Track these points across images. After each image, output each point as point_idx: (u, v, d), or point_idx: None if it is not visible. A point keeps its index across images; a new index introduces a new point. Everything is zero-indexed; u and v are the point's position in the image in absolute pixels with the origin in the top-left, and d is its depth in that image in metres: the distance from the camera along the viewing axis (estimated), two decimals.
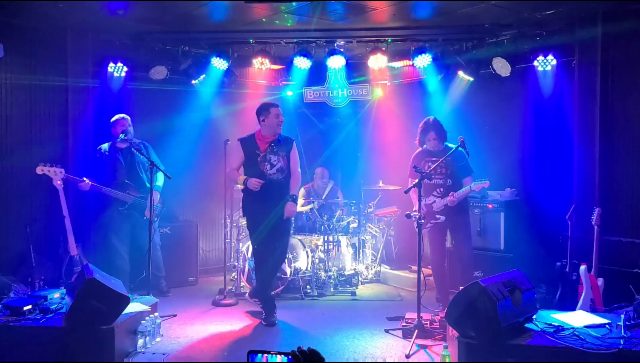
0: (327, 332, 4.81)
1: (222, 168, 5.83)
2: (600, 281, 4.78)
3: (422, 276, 4.56)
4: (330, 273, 6.22)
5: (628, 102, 5.34)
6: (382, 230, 7.06)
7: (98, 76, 6.16)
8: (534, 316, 3.98)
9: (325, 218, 6.32)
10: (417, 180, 4.66)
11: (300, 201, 6.96)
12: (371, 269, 6.85)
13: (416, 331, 4.42)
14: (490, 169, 5.11)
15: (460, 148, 4.90)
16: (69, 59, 5.91)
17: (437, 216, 5.22)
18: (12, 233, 5.45)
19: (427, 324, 4.56)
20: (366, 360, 4.14)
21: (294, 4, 5.22)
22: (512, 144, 6.35)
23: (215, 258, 7.22)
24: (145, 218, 5.68)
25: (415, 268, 4.90)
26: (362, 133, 7.66)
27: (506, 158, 6.26)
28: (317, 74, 7.26)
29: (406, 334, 4.54)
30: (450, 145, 5.24)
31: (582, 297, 4.71)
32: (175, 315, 5.18)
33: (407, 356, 4.14)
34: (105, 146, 5.66)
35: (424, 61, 6.38)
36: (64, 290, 4.62)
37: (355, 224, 6.64)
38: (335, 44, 6.65)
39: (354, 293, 6.12)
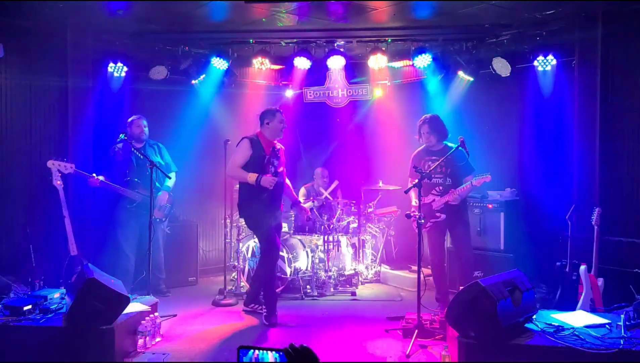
0: (327, 332, 4.81)
1: (222, 168, 5.83)
2: (600, 281, 4.78)
3: (422, 276, 4.56)
4: (330, 273, 6.22)
5: (628, 102, 5.34)
6: (382, 230, 7.06)
7: (98, 76, 6.16)
8: (534, 317, 3.98)
9: (325, 218, 6.32)
10: (417, 180, 4.65)
11: (300, 200, 6.97)
12: (371, 269, 6.85)
13: (416, 331, 4.42)
14: (490, 169, 5.10)
15: (460, 148, 4.90)
16: (69, 59, 5.91)
17: (437, 214, 5.21)
18: (12, 233, 5.45)
19: (427, 324, 4.56)
20: (366, 360, 4.14)
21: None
22: (512, 144, 6.36)
23: (215, 258, 7.22)
24: (153, 217, 5.73)
25: (415, 268, 4.90)
26: (362, 133, 7.66)
27: (506, 158, 6.27)
28: (317, 74, 7.26)
29: (406, 334, 4.54)
30: (450, 144, 5.23)
31: (582, 297, 4.71)
32: (175, 315, 5.18)
33: (407, 356, 4.14)
34: (119, 145, 5.72)
35: (424, 61, 6.38)
36: (64, 290, 4.62)
37: (355, 224, 6.64)
38: (335, 44, 6.65)
39: (354, 293, 6.12)
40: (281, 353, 1.77)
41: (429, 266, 5.65)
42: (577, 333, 3.72)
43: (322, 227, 6.26)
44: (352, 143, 7.62)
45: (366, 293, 6.25)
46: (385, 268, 6.90)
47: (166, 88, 6.51)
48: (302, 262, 6.11)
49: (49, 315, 4.07)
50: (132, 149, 5.36)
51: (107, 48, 6.20)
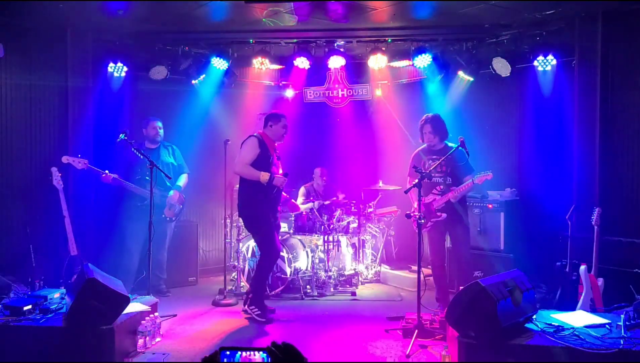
0: (327, 332, 4.81)
1: (222, 168, 5.84)
2: (600, 281, 4.77)
3: (422, 276, 4.56)
4: (330, 273, 6.22)
5: (628, 102, 5.34)
6: (382, 230, 7.06)
7: (98, 76, 6.16)
8: (534, 317, 3.98)
9: (325, 218, 6.32)
10: (417, 180, 4.65)
11: (300, 199, 6.97)
12: (371, 269, 6.85)
13: (416, 331, 4.41)
14: (490, 169, 5.09)
15: (460, 148, 4.90)
16: (69, 59, 5.91)
17: (438, 213, 5.20)
18: (12, 233, 5.45)
19: (427, 324, 4.56)
20: (366, 360, 4.14)
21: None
22: (512, 144, 6.36)
23: (215, 258, 7.22)
24: (163, 215, 5.89)
25: (415, 268, 4.90)
26: (362, 133, 7.66)
27: (506, 158, 6.27)
28: (317, 74, 7.27)
29: (406, 334, 4.54)
30: (450, 144, 5.24)
31: (582, 297, 4.71)
32: (175, 315, 5.18)
33: (407, 356, 4.14)
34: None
35: (424, 61, 6.38)
36: (64, 290, 4.62)
37: (355, 224, 6.64)
38: (335, 44, 6.65)
39: (354, 293, 6.12)
40: (265, 351, 1.76)
41: (429, 266, 5.65)
42: (577, 333, 3.72)
43: (322, 227, 6.26)
44: (352, 143, 7.62)
45: (366, 293, 6.25)
46: (385, 268, 6.90)
47: (166, 88, 6.51)
48: (302, 262, 6.11)
49: (49, 315, 4.07)
50: (132, 149, 5.38)
51: (107, 48, 6.20)
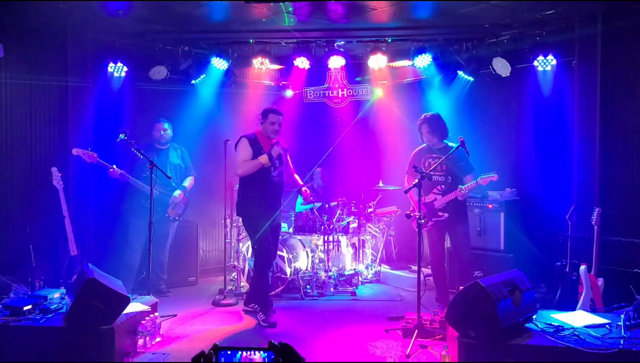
0: (327, 332, 4.81)
1: (222, 168, 5.84)
2: (600, 281, 4.78)
3: (422, 276, 4.56)
4: (330, 273, 6.22)
5: (628, 102, 5.33)
6: (382, 230, 7.06)
7: (98, 76, 6.16)
8: (534, 316, 3.98)
9: (325, 218, 6.32)
10: (416, 180, 4.65)
11: (300, 200, 6.97)
12: (371, 269, 6.84)
13: (416, 331, 4.42)
14: (490, 169, 5.10)
15: (460, 148, 4.90)
16: (69, 59, 5.91)
17: (440, 213, 5.20)
18: (12, 233, 5.45)
19: (427, 324, 4.56)
20: (366, 360, 4.14)
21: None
22: (512, 144, 6.35)
23: (215, 258, 7.23)
24: (166, 214, 5.94)
25: (415, 268, 4.90)
26: (362, 133, 7.66)
27: (506, 158, 6.26)
28: (317, 74, 7.27)
29: (406, 334, 4.54)
30: (451, 144, 5.24)
31: (582, 297, 4.71)
32: (175, 315, 5.18)
33: (407, 356, 4.14)
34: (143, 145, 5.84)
35: (424, 61, 6.38)
36: (64, 290, 4.62)
37: (355, 224, 6.64)
38: (335, 44, 6.65)
39: (354, 293, 6.12)
40: (262, 351, 1.76)
41: (429, 266, 5.65)
42: (577, 333, 3.73)
43: (322, 227, 6.26)
44: (352, 143, 7.62)
45: (366, 293, 6.25)
46: (385, 268, 6.90)
47: (166, 88, 6.51)
48: (302, 262, 6.11)
49: (49, 315, 4.07)
50: (132, 149, 5.39)
51: (107, 48, 6.20)
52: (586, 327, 3.87)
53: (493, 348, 3.63)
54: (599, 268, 4.80)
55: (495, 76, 6.10)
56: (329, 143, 7.66)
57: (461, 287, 3.96)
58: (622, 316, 3.86)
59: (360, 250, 6.69)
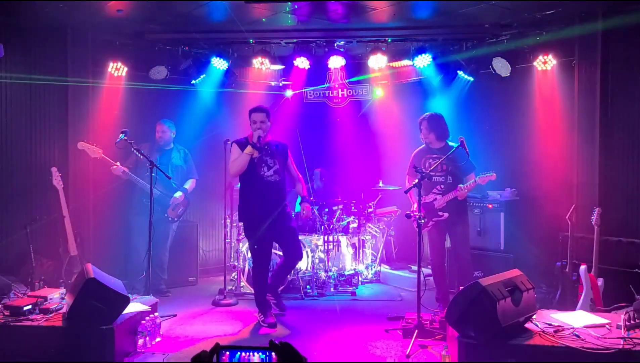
0: (327, 332, 4.81)
1: (222, 168, 5.84)
2: (600, 281, 4.78)
3: (422, 276, 4.56)
4: (330, 273, 6.22)
5: (628, 102, 5.33)
6: (382, 230, 7.06)
7: (98, 76, 6.16)
8: (534, 316, 3.98)
9: (325, 218, 6.32)
10: (416, 180, 4.65)
11: (299, 200, 6.96)
12: (371, 269, 6.84)
13: (416, 331, 4.42)
14: (490, 168, 5.10)
15: (460, 148, 4.90)
16: (69, 59, 5.91)
17: (440, 213, 5.21)
18: (12, 233, 5.44)
19: (427, 324, 4.56)
20: (366, 360, 4.14)
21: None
22: (512, 144, 6.35)
23: (215, 258, 7.22)
24: (165, 215, 5.95)
25: (415, 268, 4.90)
26: (362, 133, 7.66)
27: (506, 158, 6.26)
28: (317, 74, 7.26)
29: (406, 334, 4.54)
30: (451, 143, 5.23)
31: (582, 297, 4.71)
32: (175, 315, 5.18)
33: (407, 356, 4.14)
34: (146, 145, 5.86)
35: (424, 61, 6.38)
36: (64, 290, 4.62)
37: (355, 225, 6.64)
38: (335, 44, 6.65)
39: (354, 293, 6.12)
40: (263, 351, 1.76)
41: (429, 266, 5.65)
42: (577, 333, 3.72)
43: (322, 227, 6.26)
44: (352, 143, 7.61)
45: (366, 293, 6.25)
46: (385, 268, 6.90)
47: (166, 88, 6.51)
48: (302, 262, 6.10)
49: (49, 315, 4.07)
50: (132, 149, 5.39)
51: (107, 48, 6.19)
52: (586, 327, 3.86)
53: (493, 348, 3.63)
54: (599, 268, 4.80)
55: (495, 76, 6.10)
56: (329, 143, 7.66)
57: (461, 287, 3.95)
58: (622, 316, 3.86)
59: (360, 250, 6.69)
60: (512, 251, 5.71)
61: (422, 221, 4.66)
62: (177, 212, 6.06)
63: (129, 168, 5.79)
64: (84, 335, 3.83)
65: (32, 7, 5.23)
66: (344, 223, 6.52)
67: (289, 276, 5.78)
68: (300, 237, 6.27)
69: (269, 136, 5.09)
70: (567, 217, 5.12)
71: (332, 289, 6.18)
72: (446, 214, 5.17)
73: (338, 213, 6.49)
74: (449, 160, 5.08)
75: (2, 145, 5.51)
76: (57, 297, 4.47)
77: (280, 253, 5.83)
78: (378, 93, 7.37)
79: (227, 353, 1.80)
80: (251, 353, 1.77)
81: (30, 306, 4.10)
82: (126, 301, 4.00)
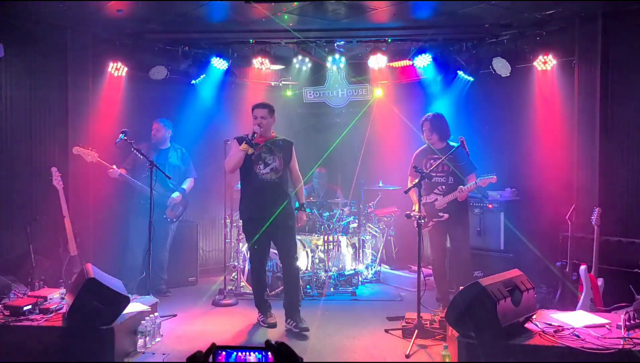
0: (327, 332, 4.81)
1: (222, 168, 5.83)
2: (600, 281, 4.77)
3: (422, 276, 4.56)
4: (330, 273, 6.22)
5: (628, 102, 5.33)
6: (382, 230, 7.06)
7: (98, 76, 6.16)
8: (534, 317, 3.98)
9: (325, 218, 6.32)
10: (417, 180, 4.65)
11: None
12: (371, 269, 6.84)
13: (416, 331, 4.42)
14: (491, 169, 5.10)
15: (460, 148, 4.90)
16: (69, 59, 5.91)
17: (440, 213, 5.21)
18: (12, 233, 5.44)
19: (427, 324, 4.56)
20: (366, 360, 4.14)
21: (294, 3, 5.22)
22: (512, 144, 6.35)
23: (215, 258, 7.22)
24: (164, 216, 5.94)
25: (415, 268, 4.90)
26: (362, 133, 7.66)
27: (506, 158, 6.26)
28: (317, 74, 7.26)
29: (406, 334, 4.54)
30: (452, 143, 5.24)
31: (582, 297, 4.71)
32: (175, 315, 5.18)
33: (407, 356, 4.14)
34: (144, 145, 5.81)
35: (424, 61, 6.38)
36: (64, 290, 4.62)
37: (355, 224, 6.64)
38: (335, 44, 6.65)
39: (354, 293, 6.12)
40: (259, 351, 1.75)
41: (429, 266, 5.65)
42: (577, 333, 3.72)
43: (322, 227, 6.25)
44: (352, 143, 7.61)
45: (366, 293, 6.25)
46: (385, 268, 6.90)
47: (166, 88, 6.51)
48: (302, 262, 6.11)
49: (49, 315, 4.07)
50: (132, 149, 5.39)
51: (107, 48, 6.19)
52: (586, 327, 3.86)
53: (493, 348, 3.62)
54: (599, 268, 4.80)
55: (495, 76, 6.10)
56: (329, 143, 7.66)
57: (461, 287, 3.95)
58: (622, 316, 3.86)
59: (360, 250, 6.69)
60: (512, 251, 5.71)
61: (422, 221, 4.66)
62: (175, 212, 6.06)
63: (127, 168, 5.79)
64: (84, 335, 3.83)
65: (32, 7, 5.24)
66: (344, 223, 6.52)
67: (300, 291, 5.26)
68: (300, 237, 6.28)
69: (274, 133, 4.99)
70: (567, 217, 5.12)
71: (332, 289, 6.18)
72: (447, 215, 5.17)
73: (338, 213, 6.49)
74: (450, 160, 5.08)
75: (2, 145, 5.51)
76: (57, 297, 4.47)
77: None
78: (378, 93, 7.37)
79: (224, 353, 1.79)
80: (247, 353, 1.77)
81: (30, 306, 4.10)
82: (126, 301, 4.00)
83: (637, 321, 3.86)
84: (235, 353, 1.76)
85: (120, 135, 5.25)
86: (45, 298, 4.31)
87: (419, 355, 4.19)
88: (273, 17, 5.62)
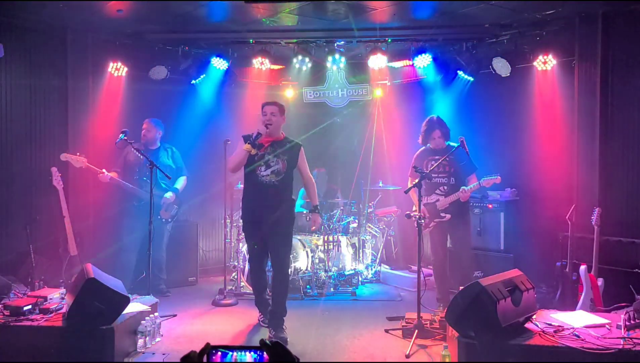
0: (327, 332, 4.81)
1: (222, 168, 5.83)
2: (600, 281, 4.78)
3: (422, 276, 4.56)
4: (330, 273, 6.22)
5: (628, 102, 5.33)
6: (382, 229, 7.06)
7: (98, 76, 6.16)
8: (534, 316, 3.98)
9: (325, 218, 6.32)
10: (417, 180, 4.65)
11: (300, 201, 6.96)
12: (371, 269, 6.85)
13: (416, 331, 4.42)
14: (491, 169, 5.11)
15: (460, 148, 4.90)
16: (69, 59, 5.91)
17: (442, 214, 5.21)
18: (12, 233, 5.45)
19: (427, 324, 4.56)
20: (366, 360, 4.14)
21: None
22: (512, 144, 6.35)
23: (215, 258, 7.23)
24: (159, 217, 5.90)
25: (415, 268, 4.90)
26: (362, 133, 7.66)
27: (506, 158, 6.26)
28: (317, 74, 7.26)
29: (406, 334, 4.54)
30: (452, 144, 5.24)
31: (582, 297, 4.71)
32: (175, 315, 5.18)
33: (407, 356, 4.14)
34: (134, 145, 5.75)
35: (424, 61, 6.38)
36: (64, 290, 4.62)
37: (355, 224, 6.64)
38: (335, 44, 6.65)
39: (354, 293, 6.12)
40: (255, 350, 1.76)
41: (430, 266, 5.65)
42: (577, 333, 3.72)
43: (322, 227, 6.25)
44: (352, 143, 7.61)
45: (366, 293, 6.25)
46: (385, 268, 6.90)
47: (166, 88, 6.50)
48: (302, 262, 6.11)
49: (49, 315, 4.07)
50: (133, 149, 5.39)
51: (107, 48, 6.20)
52: (586, 327, 3.86)
53: (493, 348, 3.63)
54: (599, 268, 4.80)
55: (495, 76, 6.10)
56: (329, 143, 7.66)
57: (461, 287, 3.95)
58: (622, 316, 3.86)
59: (360, 250, 6.69)
60: (512, 251, 5.71)
61: (422, 221, 4.66)
62: (170, 213, 6.02)
63: (118, 171, 5.74)
64: (84, 335, 3.83)
65: (32, 7, 5.24)
66: (344, 223, 6.52)
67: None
68: (300, 237, 6.29)
69: (283, 134, 4.80)
70: (567, 217, 5.12)
71: (332, 289, 6.18)
72: (449, 216, 5.17)
73: (338, 213, 6.49)
74: (451, 161, 5.09)
75: (2, 145, 5.52)
76: (57, 297, 4.47)
77: None
78: (378, 93, 7.37)
79: (219, 353, 1.79)
80: (243, 353, 1.77)
81: (30, 306, 4.10)
82: (126, 301, 4.00)
83: (637, 321, 3.86)
84: (230, 353, 1.76)
85: (120, 135, 5.25)
86: (45, 298, 4.31)
87: (419, 355, 4.19)
88: (273, 17, 5.63)
